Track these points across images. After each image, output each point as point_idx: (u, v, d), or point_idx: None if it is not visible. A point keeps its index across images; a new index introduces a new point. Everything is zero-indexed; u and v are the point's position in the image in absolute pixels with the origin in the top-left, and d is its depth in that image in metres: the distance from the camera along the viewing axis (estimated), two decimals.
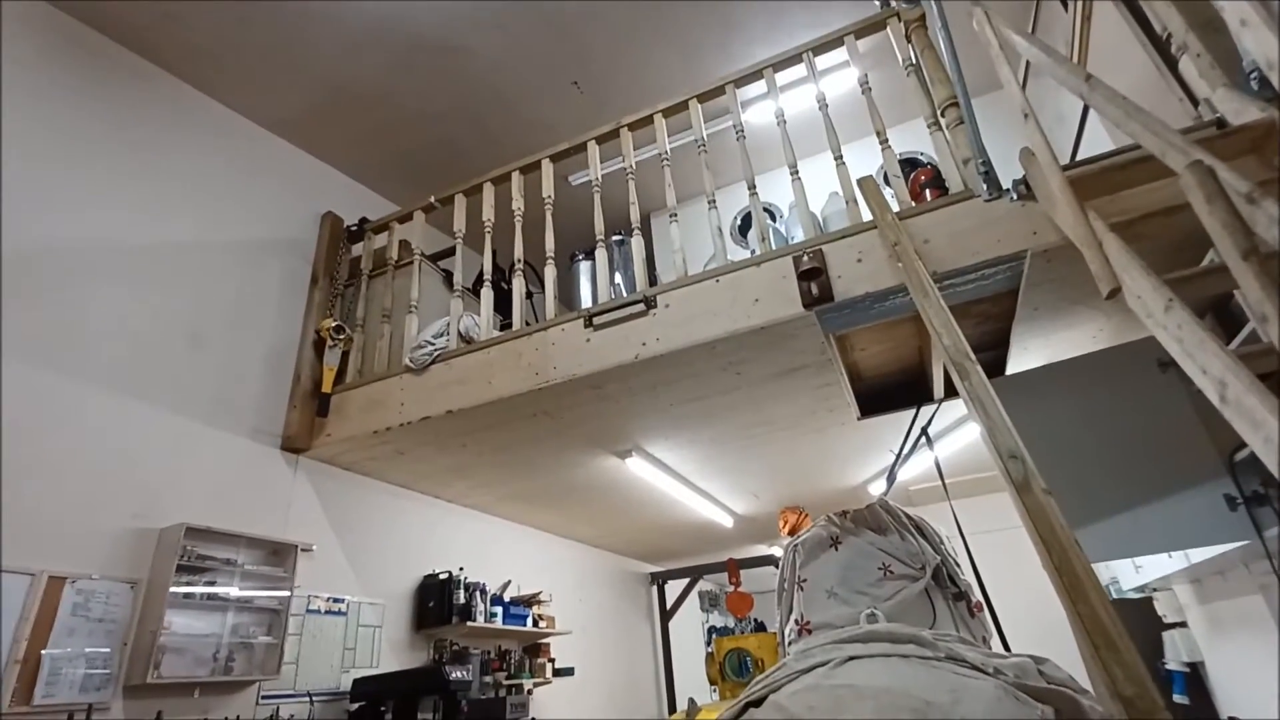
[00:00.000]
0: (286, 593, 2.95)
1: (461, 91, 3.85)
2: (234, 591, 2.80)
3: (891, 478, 3.75)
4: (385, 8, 3.29)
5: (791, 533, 4.70)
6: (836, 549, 0.80)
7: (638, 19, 3.56)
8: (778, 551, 6.21)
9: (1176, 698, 3.11)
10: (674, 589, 6.77)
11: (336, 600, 3.29)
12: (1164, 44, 2.18)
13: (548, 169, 3.29)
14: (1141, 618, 3.40)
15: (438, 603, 3.72)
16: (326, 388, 3.35)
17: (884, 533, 0.81)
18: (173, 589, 2.55)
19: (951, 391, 3.04)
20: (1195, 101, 2.15)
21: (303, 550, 3.08)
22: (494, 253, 3.30)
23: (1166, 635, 3.33)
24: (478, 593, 3.90)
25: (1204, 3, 1.81)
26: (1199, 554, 2.24)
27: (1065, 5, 3.06)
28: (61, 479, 2.47)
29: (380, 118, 3.94)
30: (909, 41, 2.71)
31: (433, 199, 3.57)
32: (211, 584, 2.73)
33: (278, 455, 3.27)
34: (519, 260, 3.18)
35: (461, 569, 3.91)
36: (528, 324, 3.02)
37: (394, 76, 3.68)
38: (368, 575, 3.51)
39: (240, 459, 3.11)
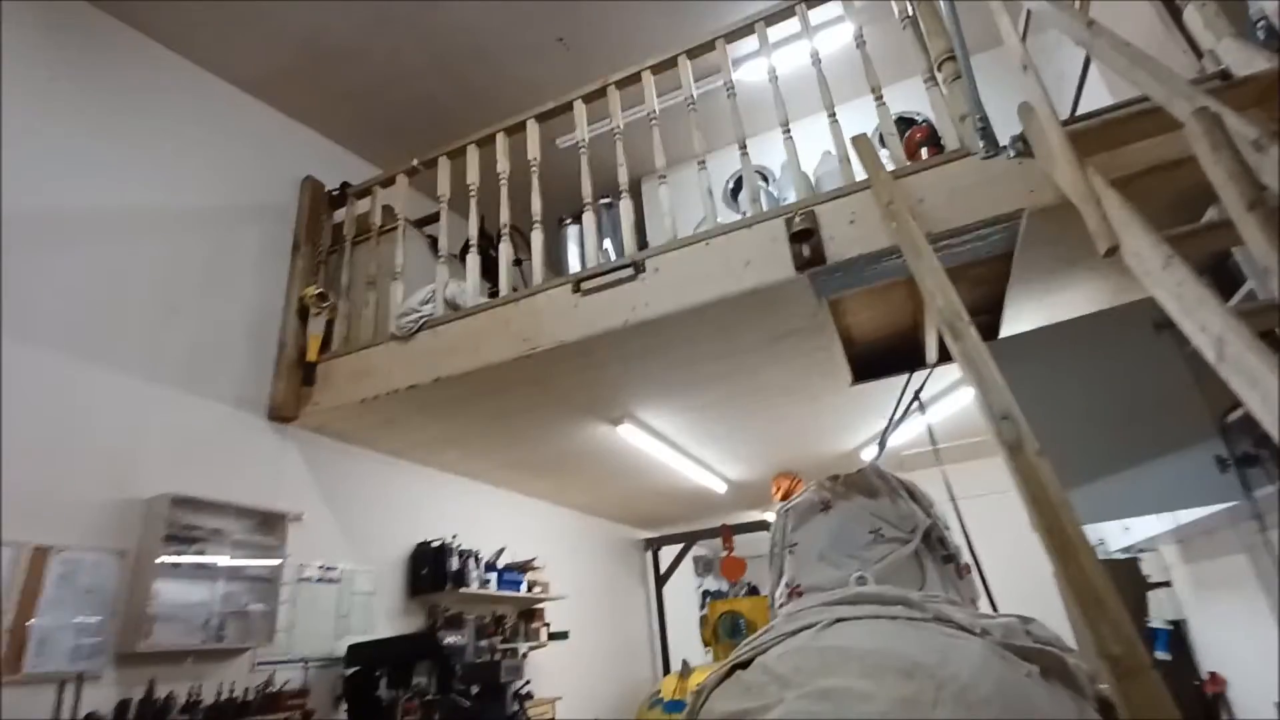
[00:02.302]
0: (278, 561, 2.94)
1: (441, 47, 3.71)
2: (224, 560, 2.79)
3: (883, 443, 3.75)
4: None
5: (784, 498, 4.72)
6: (827, 513, 0.79)
7: None
8: (770, 517, 6.26)
9: (1159, 654, 3.17)
10: (668, 555, 6.85)
11: (329, 568, 3.29)
12: None
13: (533, 130, 3.20)
14: (1127, 577, 3.44)
15: (431, 569, 3.73)
16: (312, 356, 3.30)
17: (875, 496, 0.79)
18: (161, 559, 2.54)
19: (945, 357, 3.02)
20: (1199, 55, 2.08)
21: (293, 519, 3.07)
22: (480, 217, 3.23)
23: (1151, 594, 3.38)
24: (471, 559, 3.92)
25: None
26: (1187, 515, 2.25)
27: None
28: (41, 450, 2.42)
29: (358, 76, 3.80)
30: None
31: (415, 161, 3.47)
32: (201, 552, 2.71)
33: (265, 424, 3.23)
34: (505, 225, 3.11)
35: (455, 536, 3.92)
36: (515, 290, 2.97)
37: (370, 31, 3.53)
38: (360, 543, 3.51)
39: (226, 428, 3.07)
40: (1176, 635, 3.23)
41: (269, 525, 3.00)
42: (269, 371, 3.30)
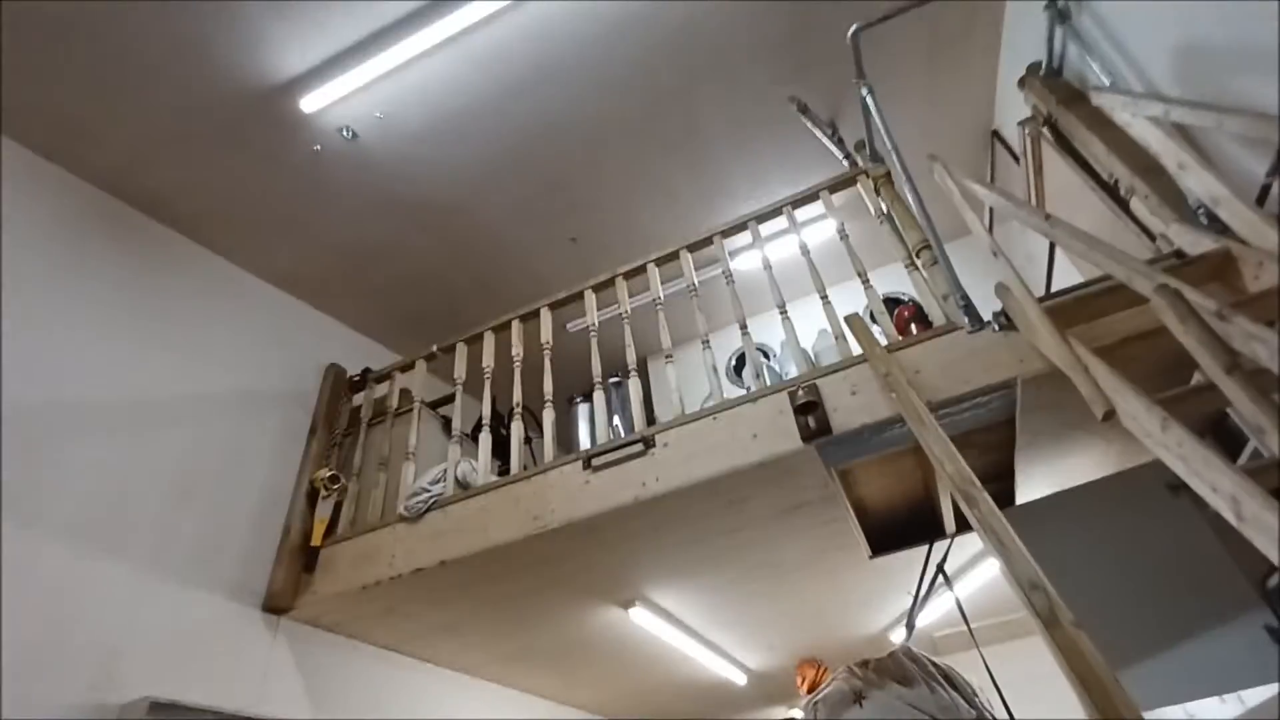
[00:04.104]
0: None
1: (464, 249, 4.11)
2: None
3: (911, 623, 3.53)
4: (395, 179, 3.61)
5: (810, 689, 4.31)
6: (861, 705, 0.74)
7: (629, 179, 3.89)
8: (798, 714, 5.67)
9: None
10: None
11: None
12: (1113, 188, 2.37)
13: (546, 317, 3.42)
14: None
15: None
16: (316, 541, 3.23)
17: (911, 684, 0.75)
18: None
19: (962, 525, 2.95)
20: (1152, 236, 2.30)
21: None
22: (493, 398, 3.34)
23: None
24: None
25: (1143, 149, 1.99)
26: (1254, 695, 2.05)
27: (1016, 160, 3.37)
28: (18, 650, 2.29)
29: (387, 275, 4.17)
30: (878, 194, 2.94)
31: (435, 348, 3.67)
32: None
33: (258, 616, 3.08)
34: (518, 405, 3.21)
35: None
36: (526, 468, 2.99)
37: (400, 237, 3.95)
38: None
39: (217, 621, 2.92)
40: None
41: None
42: (270, 558, 3.21)
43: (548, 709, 4.82)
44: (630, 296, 3.32)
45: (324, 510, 3.32)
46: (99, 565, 2.63)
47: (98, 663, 2.48)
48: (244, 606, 3.05)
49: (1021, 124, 2.83)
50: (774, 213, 3.22)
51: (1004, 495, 2.81)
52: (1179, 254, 2.04)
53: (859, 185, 3.04)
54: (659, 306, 3.17)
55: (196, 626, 2.84)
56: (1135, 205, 2.25)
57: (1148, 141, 2.05)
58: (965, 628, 2.77)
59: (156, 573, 2.80)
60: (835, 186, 3.12)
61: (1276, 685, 1.83)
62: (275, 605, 3.10)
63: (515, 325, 3.47)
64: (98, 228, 3.22)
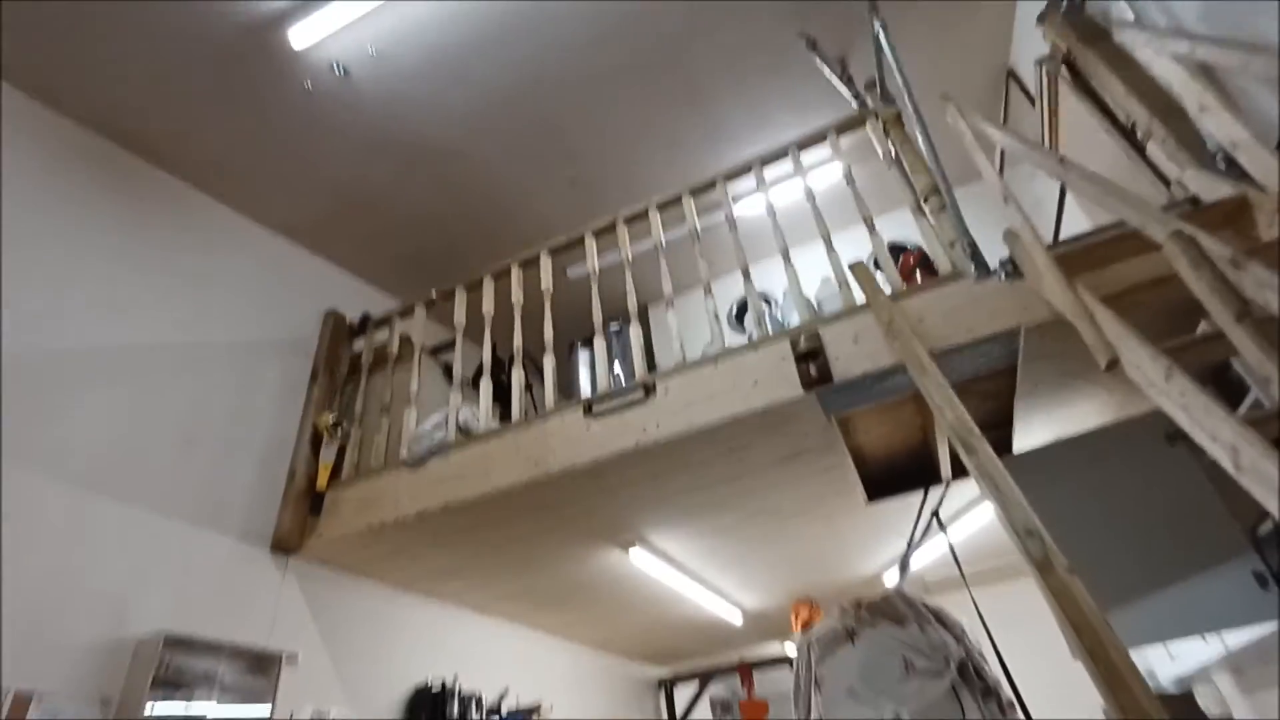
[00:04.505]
0: (267, 707, 2.75)
1: (462, 192, 4.03)
2: (211, 711, 2.61)
3: (905, 565, 3.61)
4: (390, 119, 3.50)
5: (804, 628, 4.46)
6: (854, 643, 0.76)
7: (629, 121, 3.78)
8: (791, 648, 5.88)
9: None
10: (683, 695, 6.36)
11: (321, 713, 3.06)
12: (1130, 131, 2.30)
13: (546, 262, 3.38)
14: (1186, 715, 3.17)
15: (430, 717, 3.47)
16: (321, 485, 3.28)
17: (902, 624, 0.76)
18: (146, 709, 2.38)
19: (959, 472, 2.99)
20: (1167, 182, 2.24)
21: (287, 659, 2.90)
22: (493, 345, 3.33)
23: None
24: (473, 703, 3.65)
25: (1163, 91, 1.91)
26: (1236, 638, 2.12)
27: (1032, 102, 3.26)
28: (37, 587, 2.36)
29: (384, 219, 4.10)
30: (888, 137, 2.86)
31: (434, 293, 3.64)
32: (189, 698, 2.55)
33: (267, 556, 3.15)
34: (518, 351, 3.20)
35: (455, 677, 3.68)
36: (526, 415, 3.00)
37: (398, 181, 3.86)
38: (355, 686, 3.30)
39: (227, 561, 3.00)
40: None
41: (262, 667, 2.83)
42: (276, 500, 3.27)
43: (551, 644, 5.00)
44: (631, 242, 3.27)
45: (328, 455, 3.35)
46: (110, 508, 2.68)
47: (112, 601, 2.55)
48: (253, 548, 3.12)
49: (1039, 62, 2.72)
50: (779, 154, 3.13)
51: (1001, 443, 2.83)
52: (1193, 200, 1.99)
53: (868, 127, 2.95)
54: (661, 253, 3.13)
55: (207, 566, 2.91)
56: (1152, 149, 2.19)
57: (1169, 81, 1.97)
58: (957, 570, 2.83)
59: (166, 516, 2.85)
60: (843, 128, 3.03)
61: (1260, 627, 1.88)
62: (283, 546, 3.17)
63: (515, 271, 3.43)
64: (95, 174, 3.17)
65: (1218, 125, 1.82)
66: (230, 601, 2.92)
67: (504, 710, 3.96)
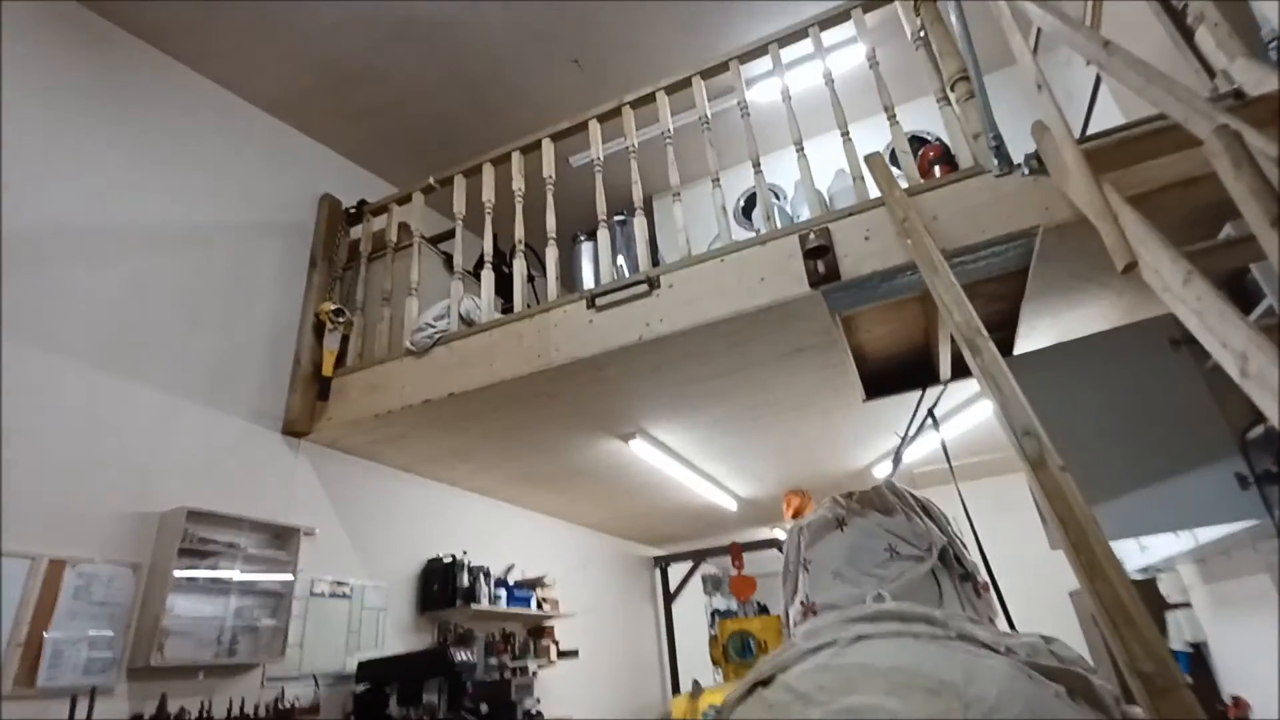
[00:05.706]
0: (290, 576, 2.94)
1: (458, 67, 3.77)
2: (237, 575, 2.79)
3: (897, 460, 3.74)
4: None
5: (795, 515, 4.69)
6: (842, 530, 0.78)
7: None
8: (781, 534, 6.22)
9: None
10: (677, 572, 6.81)
11: (340, 583, 3.28)
12: (1180, 15, 2.12)
13: (548, 149, 3.24)
14: (1146, 598, 3.40)
15: (442, 586, 3.72)
16: (327, 371, 3.32)
17: (890, 514, 0.78)
18: (175, 573, 2.54)
19: (957, 373, 3.02)
20: (1212, 74, 2.10)
21: (305, 534, 3.07)
22: (495, 235, 3.26)
23: (1170, 616, 3.33)
24: (481, 575, 3.90)
25: None
26: (1206, 534, 2.22)
27: None
28: (61, 462, 2.45)
29: (376, 95, 3.87)
30: (917, 14, 2.65)
31: (431, 180, 3.52)
32: (214, 567, 2.72)
33: (279, 439, 3.25)
34: (520, 242, 3.14)
35: (465, 552, 3.91)
36: (529, 306, 2.99)
37: (388, 51, 3.60)
38: (371, 558, 3.51)
39: (241, 442, 3.09)
40: (1197, 658, 3.17)
41: (282, 540, 3.00)
42: (284, 386, 3.32)
43: (554, 525, 5.28)
44: (637, 129, 3.12)
45: (331, 342, 3.37)
46: (122, 385, 2.72)
47: (133, 477, 2.65)
48: (265, 430, 3.20)
49: None
50: (798, 34, 2.92)
51: (1004, 344, 2.84)
52: (1237, 94, 1.87)
53: (897, 3, 2.73)
54: (668, 141, 2.99)
55: (221, 446, 3.00)
56: (1201, 35, 2.03)
57: None
58: (946, 465, 2.93)
59: (178, 395, 2.90)
60: (870, 4, 2.81)
61: (1233, 526, 1.97)
62: (294, 430, 3.26)
63: (515, 157, 3.29)
64: (81, 47, 3.00)
65: (1277, 9, 1.68)
66: (247, 480, 3.04)
67: (511, 581, 4.24)
